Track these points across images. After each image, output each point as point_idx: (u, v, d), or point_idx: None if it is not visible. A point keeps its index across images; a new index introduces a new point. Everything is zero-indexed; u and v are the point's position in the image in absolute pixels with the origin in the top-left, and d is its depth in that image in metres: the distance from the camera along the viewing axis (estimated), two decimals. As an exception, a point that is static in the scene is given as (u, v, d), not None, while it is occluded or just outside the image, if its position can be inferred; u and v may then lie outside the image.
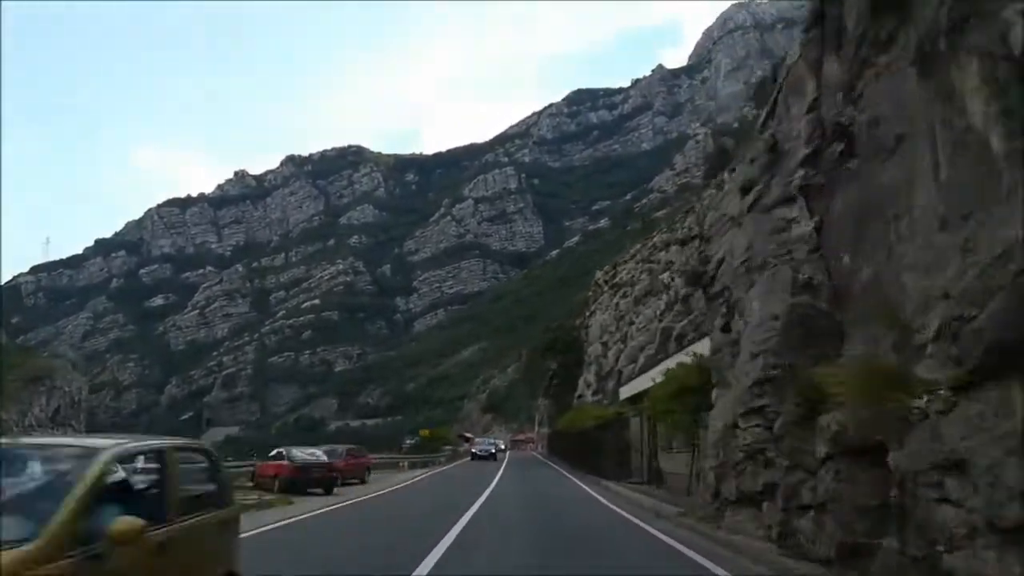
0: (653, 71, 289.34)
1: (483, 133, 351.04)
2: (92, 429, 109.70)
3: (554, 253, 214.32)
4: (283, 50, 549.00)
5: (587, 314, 65.15)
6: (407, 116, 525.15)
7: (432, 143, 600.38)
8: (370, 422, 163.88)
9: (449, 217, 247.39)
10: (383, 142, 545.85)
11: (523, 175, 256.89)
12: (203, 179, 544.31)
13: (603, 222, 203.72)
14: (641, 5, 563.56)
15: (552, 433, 63.87)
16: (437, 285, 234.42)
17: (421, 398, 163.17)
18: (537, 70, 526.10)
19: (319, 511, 17.49)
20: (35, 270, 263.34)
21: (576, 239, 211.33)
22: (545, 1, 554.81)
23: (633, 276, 38.09)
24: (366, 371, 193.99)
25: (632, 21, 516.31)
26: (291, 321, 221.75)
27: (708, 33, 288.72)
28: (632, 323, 33.53)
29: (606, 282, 57.54)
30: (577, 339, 66.50)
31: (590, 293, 68.64)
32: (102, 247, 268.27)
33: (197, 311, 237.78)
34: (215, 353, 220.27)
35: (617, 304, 43.22)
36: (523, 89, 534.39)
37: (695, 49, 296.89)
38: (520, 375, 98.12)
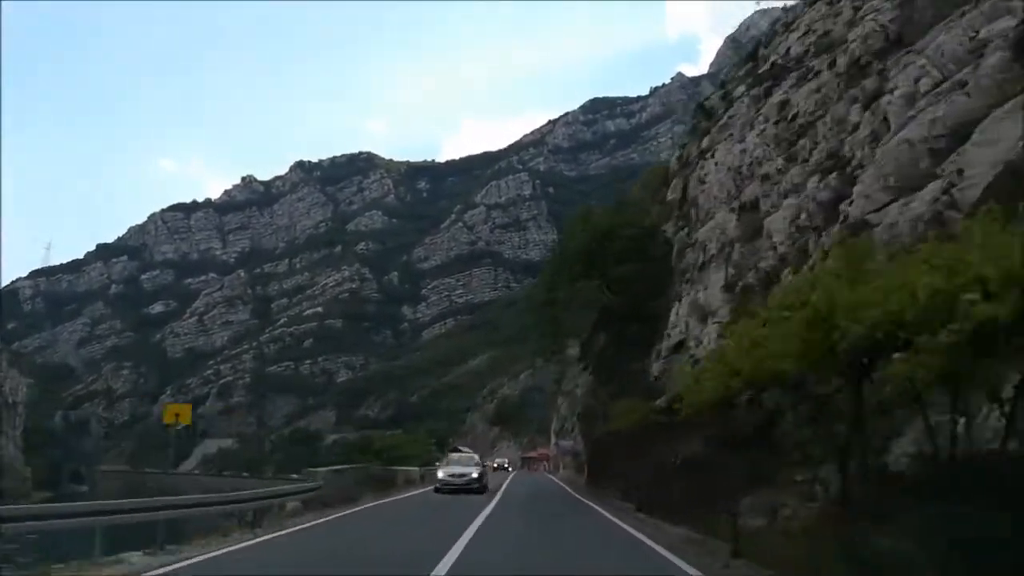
0: (672, 79, 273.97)
1: (497, 143, 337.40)
2: (32, 434, 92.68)
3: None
4: (298, 58, 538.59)
5: (680, 175, 31.08)
6: (421, 128, 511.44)
7: (447, 154, 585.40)
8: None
9: (460, 224, 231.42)
10: (398, 153, 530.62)
11: (537, 182, 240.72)
12: (210, 184, 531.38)
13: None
14: (656, 22, 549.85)
15: (602, 440, 31.13)
16: (446, 294, 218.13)
17: (424, 410, 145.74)
18: (553, 83, 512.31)
19: None
20: (34, 275, 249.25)
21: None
22: (560, 17, 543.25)
23: (831, 30, 15.77)
24: (367, 381, 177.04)
25: (647, 38, 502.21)
26: (292, 329, 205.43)
27: (729, 40, 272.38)
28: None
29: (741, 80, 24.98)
30: (655, 232, 32.74)
31: (681, 154, 34.06)
32: (103, 252, 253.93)
33: (196, 318, 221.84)
34: (211, 362, 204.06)
35: (782, 108, 18.35)
36: (538, 101, 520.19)
37: (716, 57, 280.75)
38: (530, 325, 50.33)
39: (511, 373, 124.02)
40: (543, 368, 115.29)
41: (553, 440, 67.21)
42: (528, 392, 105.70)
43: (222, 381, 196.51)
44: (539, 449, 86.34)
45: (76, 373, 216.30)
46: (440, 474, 31.28)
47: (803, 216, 13.84)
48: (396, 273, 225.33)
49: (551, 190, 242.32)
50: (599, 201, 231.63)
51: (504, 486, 34.05)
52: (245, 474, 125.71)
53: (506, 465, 51.76)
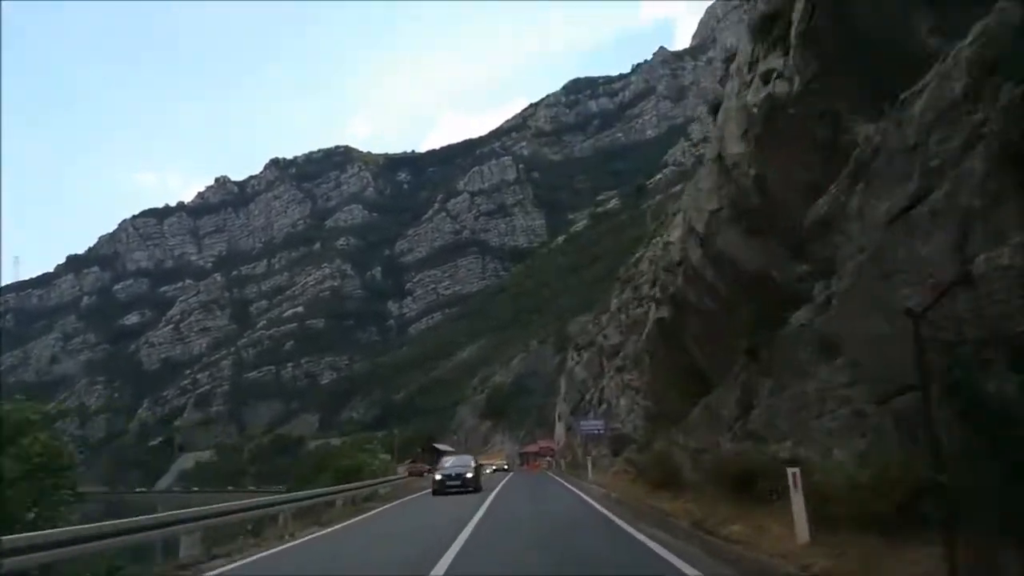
0: (655, 55, 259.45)
1: (479, 131, 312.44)
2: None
3: (560, 239, 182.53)
4: (271, 57, 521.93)
5: None
6: (400, 126, 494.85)
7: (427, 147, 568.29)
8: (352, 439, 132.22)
9: (444, 213, 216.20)
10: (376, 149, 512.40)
11: (521, 166, 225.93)
12: (182, 187, 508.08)
13: (612, 203, 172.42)
14: (631, 9, 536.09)
15: None
16: (432, 287, 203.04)
17: (411, 408, 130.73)
18: (533, 76, 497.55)
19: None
20: (3, 291, 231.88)
21: (583, 223, 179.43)
22: (541, 5, 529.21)
23: None
24: (351, 382, 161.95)
25: (626, 23, 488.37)
26: (271, 332, 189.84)
27: (712, 11, 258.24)
28: None
29: None
30: None
31: None
32: (74, 263, 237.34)
33: (171, 326, 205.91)
34: (188, 371, 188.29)
35: None
36: (519, 93, 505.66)
37: (698, 29, 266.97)
38: None
39: (503, 359, 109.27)
40: (538, 349, 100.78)
41: (558, 428, 51.44)
42: (523, 378, 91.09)
43: (199, 391, 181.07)
44: (540, 442, 71.40)
45: (72, 379, 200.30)
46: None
47: None
48: (379, 268, 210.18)
49: (536, 175, 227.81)
50: (586, 183, 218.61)
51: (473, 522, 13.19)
52: (230, 488, 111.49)
53: (468, 473, 24.18)
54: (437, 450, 65.58)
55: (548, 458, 59.14)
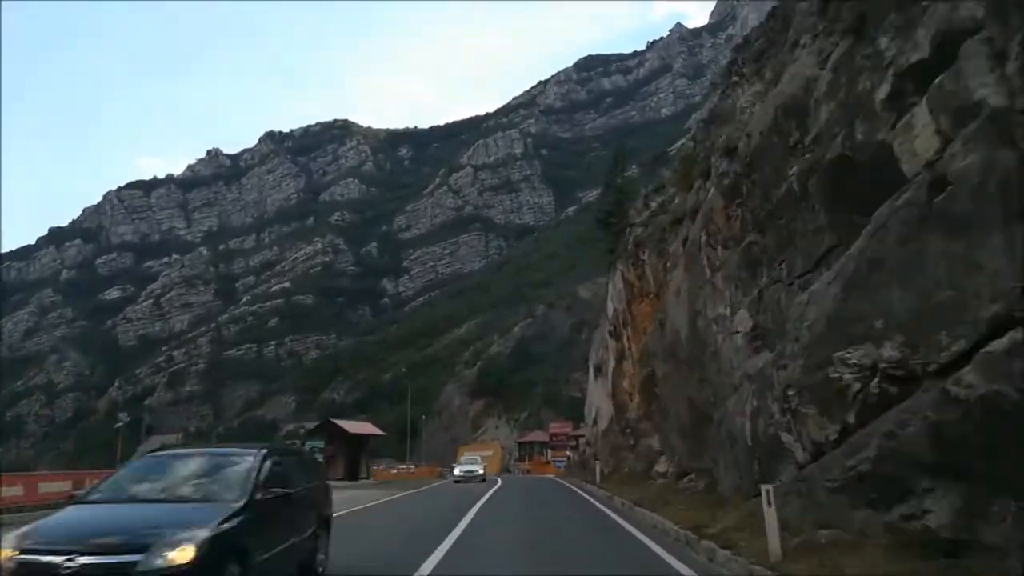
0: (671, 31, 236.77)
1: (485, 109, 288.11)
2: None
3: (571, 210, 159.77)
4: (280, 34, 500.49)
5: None
6: (405, 109, 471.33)
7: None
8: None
9: (445, 187, 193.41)
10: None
11: (529, 140, 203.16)
12: (173, 161, 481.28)
13: (632, 170, 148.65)
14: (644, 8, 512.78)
15: None
16: (431, 264, 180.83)
17: (397, 390, 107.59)
18: (543, 65, 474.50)
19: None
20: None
21: (598, 192, 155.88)
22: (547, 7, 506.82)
23: None
24: (335, 360, 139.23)
25: (639, 19, 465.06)
26: (255, 308, 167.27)
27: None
28: None
29: None
30: None
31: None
32: (56, 236, 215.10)
33: (151, 301, 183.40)
34: (164, 348, 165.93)
35: None
36: (528, 81, 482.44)
37: (716, 6, 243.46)
38: None
39: (502, 330, 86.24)
40: (547, 313, 77.84)
41: (593, 387, 27.65)
42: (528, 344, 68.18)
43: (172, 369, 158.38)
44: (551, 426, 48.69)
45: (44, 356, 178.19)
46: None
47: None
48: (375, 244, 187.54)
49: (544, 152, 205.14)
50: (597, 161, 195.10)
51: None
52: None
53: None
54: (344, 433, 42.05)
55: (569, 453, 36.13)
